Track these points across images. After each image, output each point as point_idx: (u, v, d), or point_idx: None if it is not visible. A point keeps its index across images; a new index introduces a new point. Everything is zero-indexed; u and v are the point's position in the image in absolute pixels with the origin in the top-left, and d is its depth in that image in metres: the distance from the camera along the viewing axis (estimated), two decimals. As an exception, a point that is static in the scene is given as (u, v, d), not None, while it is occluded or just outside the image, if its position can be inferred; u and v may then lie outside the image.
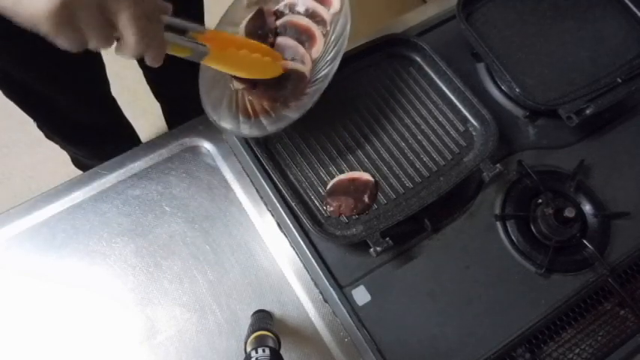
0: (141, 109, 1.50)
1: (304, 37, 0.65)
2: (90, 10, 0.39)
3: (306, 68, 0.64)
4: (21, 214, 0.65)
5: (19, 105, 0.88)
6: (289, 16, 0.66)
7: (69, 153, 1.16)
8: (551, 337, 0.62)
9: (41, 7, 0.37)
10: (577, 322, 0.63)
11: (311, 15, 0.66)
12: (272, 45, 0.66)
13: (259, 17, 0.66)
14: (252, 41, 0.62)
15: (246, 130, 0.63)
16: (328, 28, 0.65)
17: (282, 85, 0.63)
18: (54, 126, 0.99)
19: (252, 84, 0.64)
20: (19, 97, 0.86)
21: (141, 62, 1.02)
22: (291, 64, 0.64)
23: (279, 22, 0.66)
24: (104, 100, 1.02)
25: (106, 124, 1.05)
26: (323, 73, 0.63)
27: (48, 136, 1.03)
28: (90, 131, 1.02)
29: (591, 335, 0.62)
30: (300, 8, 0.66)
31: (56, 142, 1.07)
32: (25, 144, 1.55)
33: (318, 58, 0.65)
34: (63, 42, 0.40)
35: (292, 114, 0.62)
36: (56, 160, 1.50)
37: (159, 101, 1.26)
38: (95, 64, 0.90)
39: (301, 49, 0.64)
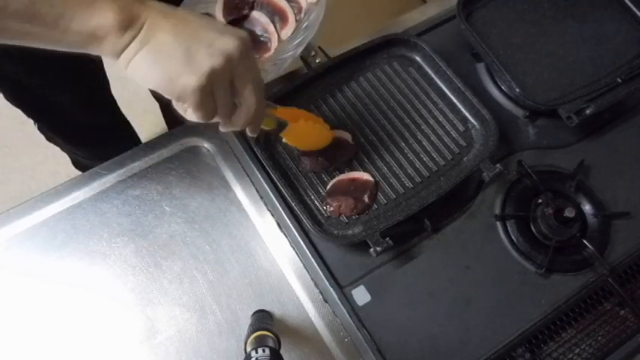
0: (141, 109, 1.50)
1: (277, 17, 0.68)
2: (225, 83, 0.45)
3: (348, 135, 0.69)
4: (21, 214, 0.65)
5: (20, 107, 0.88)
6: None
7: (69, 154, 1.16)
8: (551, 337, 0.62)
9: (192, 83, 0.42)
10: (577, 322, 0.63)
11: None
12: (245, 17, 0.70)
13: None
14: (310, 114, 0.66)
15: None
16: (302, 15, 0.68)
17: (330, 154, 0.68)
18: (54, 128, 0.99)
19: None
20: (20, 99, 0.87)
21: None
22: (337, 133, 0.68)
23: None
24: (104, 101, 1.02)
25: (106, 125, 1.05)
26: (287, 55, 0.66)
27: (48, 138, 1.03)
28: (90, 132, 1.02)
29: (591, 335, 0.62)
30: None
31: (56, 144, 1.07)
32: (25, 144, 1.55)
33: (287, 40, 0.68)
34: (199, 112, 0.45)
35: None
36: (56, 160, 1.50)
37: (159, 103, 1.26)
38: (95, 66, 0.90)
39: (271, 28, 0.68)
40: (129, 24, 0.41)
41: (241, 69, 0.45)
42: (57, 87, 0.85)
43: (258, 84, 0.47)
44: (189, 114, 0.46)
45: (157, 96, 1.21)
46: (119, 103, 1.07)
